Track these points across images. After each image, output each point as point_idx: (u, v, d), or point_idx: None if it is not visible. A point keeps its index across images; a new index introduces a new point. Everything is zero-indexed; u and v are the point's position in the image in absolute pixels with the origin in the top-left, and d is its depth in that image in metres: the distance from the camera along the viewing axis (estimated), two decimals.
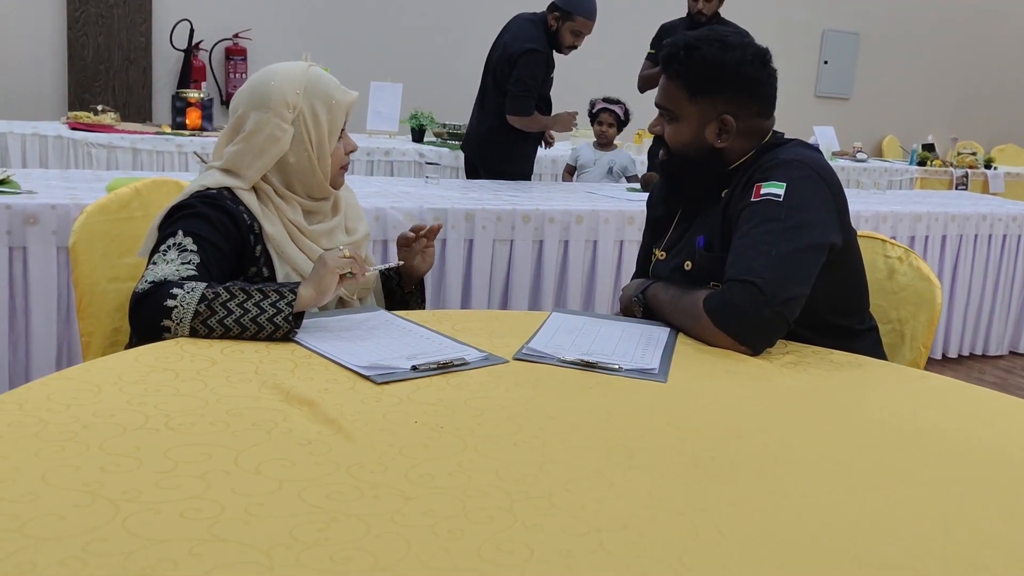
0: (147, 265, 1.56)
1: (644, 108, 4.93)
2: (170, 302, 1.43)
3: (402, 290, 1.99)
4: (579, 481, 1.04)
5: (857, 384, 1.52)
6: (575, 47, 4.25)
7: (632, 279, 2.00)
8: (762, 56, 1.76)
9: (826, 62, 8.93)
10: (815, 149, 1.80)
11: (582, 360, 1.45)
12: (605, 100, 5.02)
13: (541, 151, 4.90)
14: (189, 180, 2.53)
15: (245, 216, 1.67)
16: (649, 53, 4.85)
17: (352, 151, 1.82)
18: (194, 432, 1.08)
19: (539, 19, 4.22)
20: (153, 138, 4.77)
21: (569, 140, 6.52)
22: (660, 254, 1.92)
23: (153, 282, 1.47)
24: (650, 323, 1.74)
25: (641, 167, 5.21)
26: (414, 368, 1.35)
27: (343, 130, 1.79)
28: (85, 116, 5.05)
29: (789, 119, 8.11)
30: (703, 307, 1.58)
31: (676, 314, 1.68)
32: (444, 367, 1.37)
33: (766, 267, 1.57)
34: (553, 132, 4.52)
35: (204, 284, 1.46)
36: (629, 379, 1.41)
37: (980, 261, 4.53)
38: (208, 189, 1.68)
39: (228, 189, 1.69)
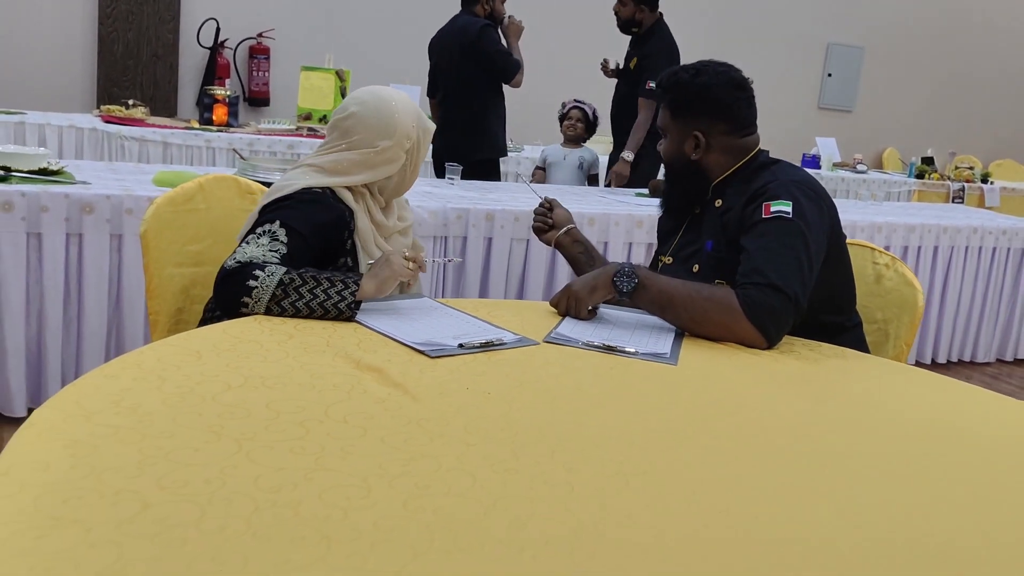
0: (240, 243, 1.78)
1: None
2: (252, 282, 1.65)
3: None
4: (606, 438, 1.26)
5: (843, 371, 1.74)
6: (502, 15, 4.78)
7: None
8: (733, 82, 2.02)
9: (830, 75, 9.15)
10: (800, 169, 2.05)
11: (604, 344, 1.67)
12: (576, 100, 5.31)
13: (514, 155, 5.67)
14: (233, 174, 2.75)
15: (346, 214, 1.89)
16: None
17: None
18: (287, 390, 1.30)
19: (461, 15, 4.75)
20: (183, 133, 5.00)
21: (540, 143, 6.72)
22: (667, 259, 2.15)
23: (240, 261, 1.69)
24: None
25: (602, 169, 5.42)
26: (460, 346, 1.57)
27: None
28: (117, 110, 5.27)
29: (792, 130, 8.37)
30: (740, 301, 1.76)
31: (699, 299, 1.79)
32: (485, 346, 1.59)
33: (794, 279, 1.80)
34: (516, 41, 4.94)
35: (283, 269, 1.68)
36: (644, 362, 1.63)
37: (970, 271, 4.75)
38: (311, 188, 1.88)
39: (330, 189, 1.90)
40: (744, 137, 2.04)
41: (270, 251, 1.74)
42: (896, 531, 1.08)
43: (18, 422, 2.95)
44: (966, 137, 9.76)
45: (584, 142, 5.24)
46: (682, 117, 2.03)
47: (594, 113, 5.23)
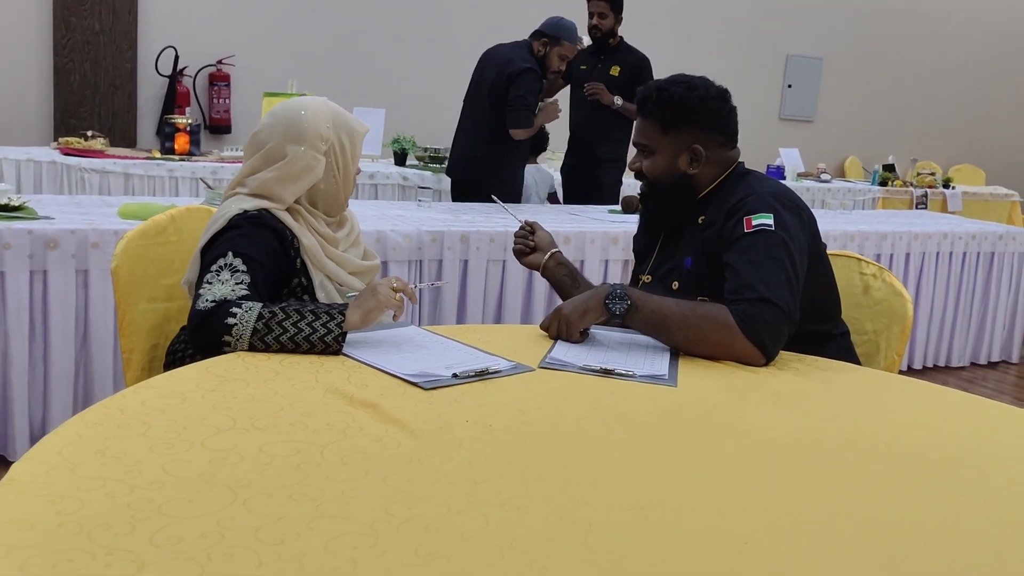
0: (201, 285, 1.70)
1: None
2: (231, 320, 1.58)
3: None
4: (617, 468, 1.21)
5: (841, 385, 1.70)
6: (560, 72, 4.54)
7: None
8: (722, 95, 2.01)
9: (790, 86, 9.22)
10: (774, 180, 2.04)
11: (601, 368, 1.62)
12: None
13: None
14: (200, 203, 2.68)
15: (287, 232, 1.84)
16: None
17: (358, 173, 2.04)
18: (279, 431, 1.24)
19: (523, 45, 4.49)
20: (144, 163, 4.90)
21: (548, 161, 6.71)
22: (647, 278, 2.11)
23: (214, 301, 1.62)
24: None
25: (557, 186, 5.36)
26: (455, 376, 1.52)
27: None
28: (76, 141, 5.15)
29: (755, 141, 8.40)
30: (735, 317, 1.73)
31: (693, 318, 1.76)
32: (481, 375, 1.54)
33: (784, 291, 1.77)
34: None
35: (261, 304, 1.61)
36: (643, 384, 1.58)
37: (942, 277, 4.78)
38: (247, 212, 1.84)
39: (266, 210, 1.85)
40: (731, 150, 2.02)
41: (236, 284, 1.68)
42: (933, 554, 1.04)
43: None
44: (925, 144, 9.87)
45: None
46: (677, 131, 1.98)
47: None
